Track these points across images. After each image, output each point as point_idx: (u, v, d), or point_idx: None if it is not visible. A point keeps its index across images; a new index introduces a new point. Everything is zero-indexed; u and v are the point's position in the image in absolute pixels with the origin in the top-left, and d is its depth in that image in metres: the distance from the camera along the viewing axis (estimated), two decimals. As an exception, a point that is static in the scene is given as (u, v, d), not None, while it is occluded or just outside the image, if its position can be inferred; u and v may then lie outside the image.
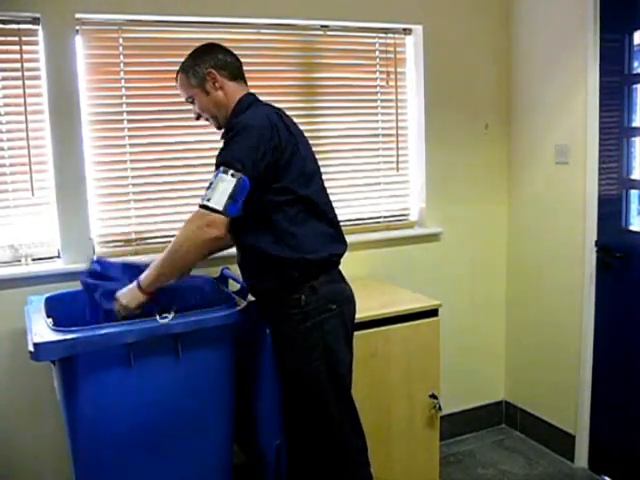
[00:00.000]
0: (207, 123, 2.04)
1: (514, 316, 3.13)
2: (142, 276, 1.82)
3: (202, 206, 1.71)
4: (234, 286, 2.23)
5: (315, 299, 1.83)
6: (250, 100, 1.95)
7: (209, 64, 1.91)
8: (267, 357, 1.96)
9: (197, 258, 1.81)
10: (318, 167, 1.99)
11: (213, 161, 2.49)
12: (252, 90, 2.54)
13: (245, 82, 2.00)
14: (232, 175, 1.70)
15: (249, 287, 2.00)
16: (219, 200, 1.69)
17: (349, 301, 1.94)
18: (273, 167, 1.78)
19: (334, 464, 1.90)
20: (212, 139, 2.51)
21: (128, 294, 1.83)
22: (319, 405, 1.86)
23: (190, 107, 2.03)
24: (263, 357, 1.98)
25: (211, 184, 1.72)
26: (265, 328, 1.96)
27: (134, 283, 1.83)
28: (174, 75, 2.41)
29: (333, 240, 1.92)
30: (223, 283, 2.29)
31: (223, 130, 1.98)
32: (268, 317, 1.94)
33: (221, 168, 1.72)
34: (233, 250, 2.48)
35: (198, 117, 2.01)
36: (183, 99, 2.01)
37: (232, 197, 1.69)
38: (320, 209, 1.90)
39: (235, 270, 2.32)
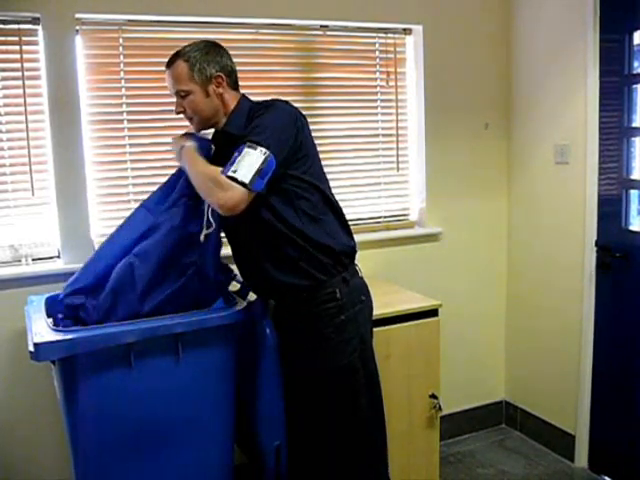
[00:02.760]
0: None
1: (514, 316, 3.13)
2: (191, 152, 1.80)
3: (228, 177, 1.65)
4: (234, 286, 2.23)
5: (348, 291, 1.82)
6: (249, 101, 1.92)
7: (219, 67, 1.85)
8: (268, 357, 1.96)
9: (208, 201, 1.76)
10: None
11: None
12: (252, 90, 2.56)
13: (238, 90, 1.96)
14: (260, 151, 1.65)
15: (258, 287, 1.95)
16: (246, 173, 1.64)
17: (369, 292, 1.96)
18: (295, 154, 1.77)
19: (352, 463, 1.87)
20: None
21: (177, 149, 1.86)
22: (352, 399, 1.83)
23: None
24: (264, 357, 1.98)
25: (234, 159, 1.66)
26: (266, 328, 1.96)
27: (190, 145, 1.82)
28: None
29: (349, 234, 1.94)
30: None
31: (206, 132, 1.96)
32: (286, 317, 1.89)
33: (247, 143, 1.67)
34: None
35: (180, 112, 1.91)
36: (170, 89, 1.90)
37: (259, 173, 1.65)
38: (335, 205, 1.90)
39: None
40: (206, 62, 1.83)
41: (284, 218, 1.77)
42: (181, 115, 2.42)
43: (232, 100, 1.88)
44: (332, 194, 1.93)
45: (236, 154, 1.66)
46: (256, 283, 1.96)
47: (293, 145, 1.75)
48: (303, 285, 1.82)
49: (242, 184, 1.64)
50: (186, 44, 1.88)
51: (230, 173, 1.64)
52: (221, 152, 1.83)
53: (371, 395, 1.88)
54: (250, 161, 1.64)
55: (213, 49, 1.87)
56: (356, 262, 1.95)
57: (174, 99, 2.42)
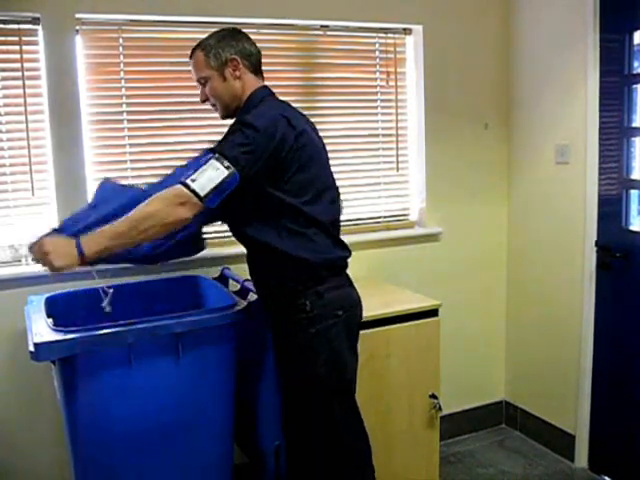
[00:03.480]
0: (210, 108, 1.96)
1: (514, 316, 3.13)
2: (86, 238, 1.63)
3: (183, 184, 1.63)
4: (234, 286, 2.23)
5: (321, 305, 1.79)
6: (263, 94, 1.88)
7: (234, 50, 1.84)
8: (268, 357, 1.96)
9: (154, 237, 1.69)
10: (333, 181, 1.93)
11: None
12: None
13: (262, 76, 1.94)
14: (226, 167, 1.63)
15: (255, 287, 1.96)
16: (204, 186, 1.62)
17: (355, 305, 1.90)
18: (274, 170, 1.73)
19: (337, 469, 1.88)
20: (213, 139, 2.52)
21: (61, 250, 1.62)
22: (323, 410, 1.83)
23: (186, 97, 2.04)
24: (264, 357, 1.98)
25: (198, 166, 1.65)
26: (266, 328, 1.96)
27: (73, 241, 1.63)
28: (174, 75, 2.44)
29: (337, 245, 1.88)
30: (223, 283, 2.29)
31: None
32: (274, 320, 1.90)
33: (215, 154, 1.65)
34: (234, 250, 2.48)
35: (204, 100, 1.91)
36: (194, 77, 1.91)
37: (217, 188, 1.63)
38: (319, 218, 1.82)
39: (239, 270, 2.32)
40: (221, 47, 1.83)
41: (264, 237, 1.79)
42: (182, 115, 2.46)
43: (250, 85, 1.87)
44: (331, 211, 1.88)
45: (202, 161, 1.66)
46: (254, 282, 1.98)
47: (270, 162, 1.70)
48: (275, 289, 1.85)
49: (197, 195, 1.62)
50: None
51: (188, 181, 1.63)
52: None
53: (345, 405, 1.87)
54: (211, 176, 1.63)
55: (230, 34, 1.87)
56: (347, 272, 1.92)
57: (174, 99, 2.46)
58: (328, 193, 1.87)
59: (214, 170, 1.62)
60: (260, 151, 1.68)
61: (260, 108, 1.80)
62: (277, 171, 1.74)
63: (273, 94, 1.92)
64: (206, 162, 1.65)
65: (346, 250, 1.91)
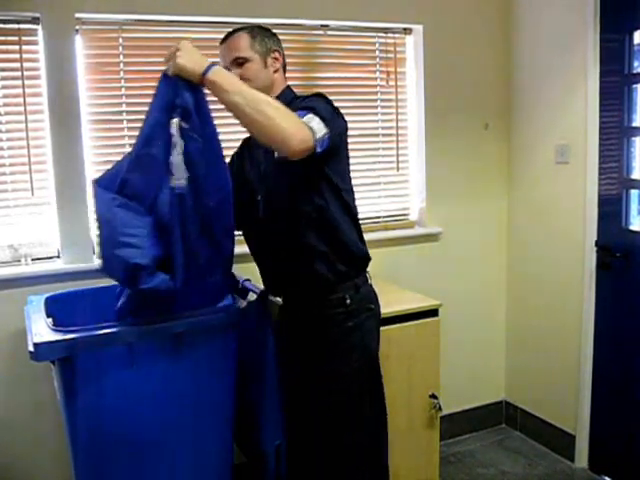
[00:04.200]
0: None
1: (514, 316, 3.13)
2: (218, 68, 1.60)
3: (304, 123, 1.60)
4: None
5: (358, 298, 1.82)
6: (293, 93, 1.92)
7: (278, 45, 1.90)
8: (269, 357, 1.96)
9: (257, 128, 1.58)
10: None
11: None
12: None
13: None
14: (325, 126, 1.63)
15: (280, 284, 1.92)
16: (317, 129, 1.61)
17: (378, 301, 1.94)
18: (339, 151, 1.79)
19: (357, 459, 1.87)
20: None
21: (194, 56, 1.59)
22: (355, 404, 1.83)
23: None
24: (264, 357, 1.98)
25: (302, 116, 1.63)
26: (266, 328, 1.96)
27: (208, 61, 1.60)
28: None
29: (363, 241, 1.93)
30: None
31: None
32: (299, 317, 1.88)
33: (311, 111, 1.64)
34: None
35: None
36: (225, 60, 1.84)
37: (322, 139, 1.62)
38: (355, 210, 1.90)
39: (238, 270, 2.30)
40: (267, 36, 1.87)
41: (331, 210, 1.79)
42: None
43: (280, 83, 1.90)
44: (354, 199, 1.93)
45: (304, 116, 1.62)
46: (278, 276, 1.92)
47: (336, 140, 1.72)
48: (321, 284, 1.81)
49: (313, 134, 1.59)
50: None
51: (305, 119, 1.60)
52: (249, 142, 1.86)
53: (374, 398, 1.88)
54: (321, 126, 1.62)
55: (269, 30, 1.92)
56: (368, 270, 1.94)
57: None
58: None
59: (317, 124, 1.62)
60: (336, 127, 1.71)
61: (321, 96, 1.81)
62: (335, 154, 1.77)
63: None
64: (305, 116, 1.62)
65: (366, 247, 1.95)
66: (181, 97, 1.60)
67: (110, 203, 1.70)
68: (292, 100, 1.84)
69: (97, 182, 1.81)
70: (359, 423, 1.85)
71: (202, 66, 1.57)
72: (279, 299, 1.91)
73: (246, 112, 1.56)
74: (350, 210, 1.86)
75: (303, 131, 1.58)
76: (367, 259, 1.92)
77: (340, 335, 1.81)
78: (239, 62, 1.83)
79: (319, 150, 1.62)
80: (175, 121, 1.60)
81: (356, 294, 1.82)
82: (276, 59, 1.88)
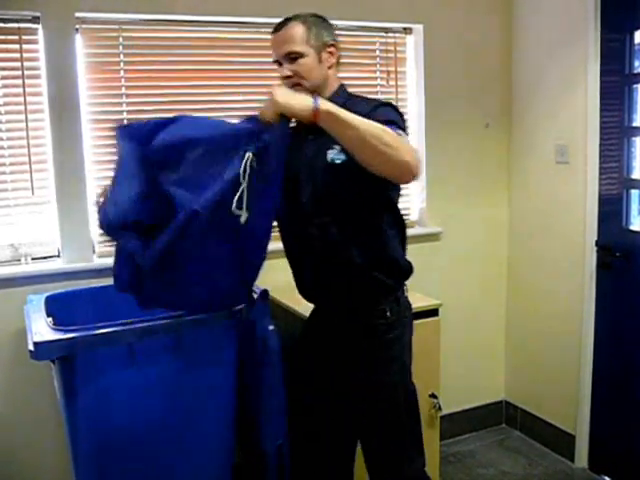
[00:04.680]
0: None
1: (514, 316, 3.13)
2: (321, 99, 1.49)
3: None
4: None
5: (397, 310, 1.77)
6: (346, 90, 1.81)
7: (334, 38, 1.75)
8: (269, 356, 1.96)
9: (377, 162, 1.48)
10: None
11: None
12: (253, 89, 2.57)
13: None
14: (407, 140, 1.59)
15: (323, 297, 1.83)
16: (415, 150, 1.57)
17: (412, 313, 1.91)
18: None
19: (400, 466, 1.83)
20: (212, 138, 2.52)
21: (293, 95, 1.51)
22: (393, 413, 1.78)
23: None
24: (265, 356, 1.98)
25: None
26: (268, 327, 1.96)
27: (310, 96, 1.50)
28: (174, 74, 2.43)
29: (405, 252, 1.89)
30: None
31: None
32: (341, 328, 1.79)
33: (399, 130, 1.56)
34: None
35: (286, 77, 1.71)
36: (277, 53, 1.73)
37: None
38: (404, 223, 1.85)
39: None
40: (323, 28, 1.73)
41: (384, 223, 1.73)
42: (183, 114, 2.44)
43: (334, 80, 1.78)
44: None
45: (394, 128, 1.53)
46: (316, 284, 1.82)
47: None
48: (369, 291, 1.75)
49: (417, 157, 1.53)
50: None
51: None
52: (297, 136, 1.69)
53: (411, 409, 1.83)
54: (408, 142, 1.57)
55: (327, 21, 1.78)
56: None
57: (174, 98, 2.44)
58: None
59: (404, 139, 1.56)
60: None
61: (387, 105, 1.73)
62: None
63: None
64: (394, 131, 1.52)
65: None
66: (263, 136, 1.50)
67: (137, 159, 1.59)
68: (347, 100, 1.72)
69: (125, 130, 1.69)
70: (402, 432, 1.81)
71: (309, 99, 1.47)
72: (309, 304, 1.88)
73: (371, 144, 1.45)
74: (400, 223, 1.80)
75: (417, 158, 1.52)
76: (410, 272, 1.85)
77: (380, 347, 1.76)
78: (292, 57, 1.69)
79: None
80: (249, 155, 1.48)
81: (397, 306, 1.77)
82: (331, 54, 1.74)
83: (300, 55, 1.68)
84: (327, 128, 1.48)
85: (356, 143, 1.47)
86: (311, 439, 1.92)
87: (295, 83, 1.69)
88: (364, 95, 1.83)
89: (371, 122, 1.47)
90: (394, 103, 1.75)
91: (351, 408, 1.82)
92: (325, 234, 1.71)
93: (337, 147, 1.62)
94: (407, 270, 1.83)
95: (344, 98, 1.74)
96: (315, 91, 1.66)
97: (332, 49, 1.73)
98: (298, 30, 1.69)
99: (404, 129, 1.61)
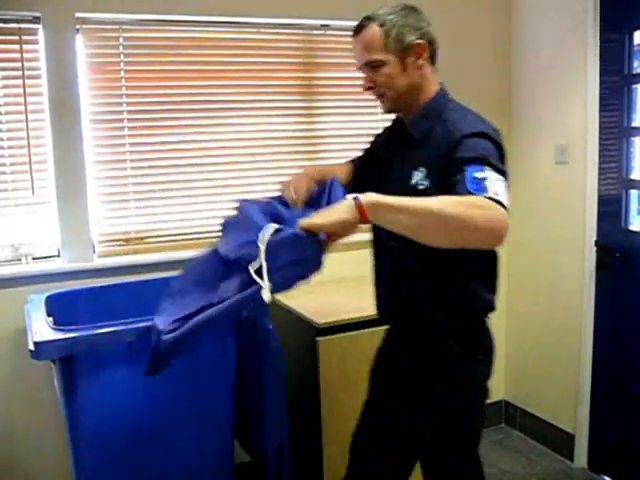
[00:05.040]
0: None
1: (514, 316, 3.13)
2: (370, 194, 1.27)
3: (493, 199, 1.25)
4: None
5: (481, 331, 1.61)
6: (445, 96, 1.57)
7: (420, 33, 1.49)
8: (270, 355, 1.96)
9: (449, 244, 1.28)
10: None
11: (214, 160, 2.54)
12: (252, 89, 2.57)
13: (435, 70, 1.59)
14: (503, 178, 1.33)
15: (400, 321, 1.65)
16: (507, 201, 1.29)
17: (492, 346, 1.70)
18: None
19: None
20: (213, 138, 2.52)
21: (330, 210, 1.30)
22: (471, 449, 1.65)
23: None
24: (266, 355, 1.98)
25: (479, 179, 1.28)
26: (268, 326, 1.96)
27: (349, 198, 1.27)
28: (174, 74, 2.44)
29: None
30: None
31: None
32: (412, 353, 1.61)
33: (487, 167, 1.31)
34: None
35: (369, 88, 1.54)
36: (360, 58, 1.52)
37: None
38: (497, 255, 1.67)
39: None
40: (405, 27, 1.47)
41: (471, 257, 1.47)
42: (182, 115, 2.45)
43: (431, 83, 1.55)
44: None
45: (479, 177, 1.29)
46: (393, 309, 1.68)
47: None
48: (442, 324, 1.56)
49: (503, 206, 1.26)
50: (380, 7, 1.52)
51: (493, 195, 1.25)
52: (389, 146, 1.57)
53: (473, 435, 1.67)
54: (503, 187, 1.31)
55: (412, 12, 1.52)
56: None
57: (174, 98, 2.45)
58: None
59: (498, 181, 1.31)
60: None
61: (469, 116, 1.49)
62: None
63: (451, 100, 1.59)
64: (486, 176, 1.30)
65: None
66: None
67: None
68: (442, 112, 1.50)
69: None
70: (463, 459, 1.66)
71: (348, 202, 1.26)
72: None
73: (435, 227, 1.24)
74: (488, 258, 1.58)
75: (499, 219, 1.24)
76: (489, 310, 1.59)
77: (467, 372, 1.57)
78: (372, 66, 1.50)
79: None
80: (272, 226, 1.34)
81: (482, 326, 1.59)
82: (418, 56, 1.49)
83: (380, 64, 1.48)
84: (382, 222, 1.28)
85: (421, 231, 1.26)
86: (371, 455, 1.74)
87: (380, 94, 1.53)
88: (468, 110, 1.52)
89: (426, 200, 1.25)
90: (493, 131, 1.42)
91: (416, 429, 1.63)
92: (396, 259, 1.56)
93: (424, 169, 1.45)
94: (483, 309, 1.58)
95: (438, 109, 1.52)
96: (403, 99, 1.52)
97: (419, 49, 1.49)
98: (375, 34, 1.48)
99: (496, 167, 1.33)
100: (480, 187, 1.27)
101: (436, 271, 1.50)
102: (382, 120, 2.83)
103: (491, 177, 1.29)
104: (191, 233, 2.52)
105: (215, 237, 2.51)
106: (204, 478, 1.97)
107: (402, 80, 1.50)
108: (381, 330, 2.24)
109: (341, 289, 2.57)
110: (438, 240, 1.27)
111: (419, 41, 1.48)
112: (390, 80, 1.49)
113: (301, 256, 1.28)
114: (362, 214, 1.24)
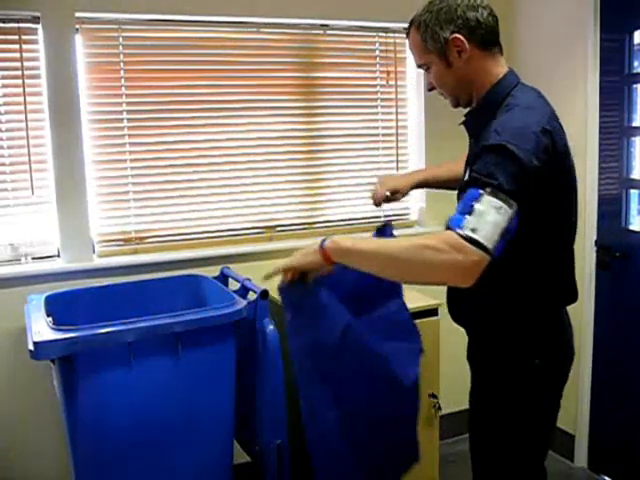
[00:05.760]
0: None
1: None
2: (335, 237, 1.36)
3: (465, 237, 1.21)
4: (234, 285, 2.23)
5: (517, 353, 1.56)
6: (507, 85, 1.45)
7: (455, 26, 1.41)
8: (269, 355, 1.96)
9: (414, 282, 1.40)
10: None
11: (212, 160, 2.54)
12: (252, 89, 2.57)
13: (501, 50, 1.49)
14: (508, 204, 1.22)
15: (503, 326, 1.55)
16: (490, 235, 1.20)
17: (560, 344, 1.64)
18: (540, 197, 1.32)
19: None
20: (212, 138, 2.52)
21: (303, 251, 1.41)
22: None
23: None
24: (265, 355, 1.98)
25: (471, 209, 1.24)
26: (267, 326, 1.96)
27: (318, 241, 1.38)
28: (174, 74, 2.44)
29: None
30: (223, 282, 2.29)
31: (467, 111, 1.54)
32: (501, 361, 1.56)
33: (488, 189, 1.23)
34: (234, 249, 2.49)
35: (431, 89, 1.55)
36: (415, 61, 1.55)
37: (503, 234, 1.22)
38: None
39: (238, 270, 2.31)
40: (438, 24, 1.43)
41: (524, 254, 1.42)
42: (182, 115, 2.45)
43: (487, 66, 1.44)
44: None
45: (473, 202, 1.24)
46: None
47: (532, 187, 1.28)
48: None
49: (483, 248, 1.20)
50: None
51: (468, 232, 1.21)
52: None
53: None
54: (496, 218, 1.21)
55: (447, 5, 1.44)
56: None
57: (174, 98, 2.46)
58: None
59: (496, 211, 1.22)
60: (523, 193, 1.26)
61: (516, 112, 1.37)
62: (535, 215, 1.34)
63: (524, 84, 1.49)
64: (479, 201, 1.23)
65: None
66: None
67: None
68: (500, 104, 1.41)
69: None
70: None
71: (312, 245, 1.37)
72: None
73: (394, 270, 1.31)
74: (552, 252, 1.47)
75: (460, 265, 1.21)
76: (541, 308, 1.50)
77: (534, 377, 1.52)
78: (424, 69, 1.52)
79: (499, 252, 1.22)
80: None
81: (519, 348, 1.51)
82: (460, 49, 1.42)
83: (427, 65, 1.49)
84: (346, 264, 1.35)
85: (379, 272, 1.33)
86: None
87: (440, 93, 1.54)
88: (523, 106, 1.39)
89: (397, 243, 1.31)
90: (511, 144, 1.26)
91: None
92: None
93: (467, 168, 1.41)
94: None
95: (495, 102, 1.42)
96: (460, 95, 1.49)
97: (457, 42, 1.41)
98: (415, 39, 1.50)
99: (501, 188, 1.22)
100: (460, 220, 1.25)
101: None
102: (382, 120, 2.85)
103: (485, 205, 1.23)
104: (191, 233, 2.52)
105: (215, 237, 2.55)
106: (204, 478, 1.97)
107: (450, 77, 1.47)
108: (381, 330, 2.25)
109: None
110: (401, 280, 1.38)
111: (453, 35, 1.42)
112: (440, 79, 1.49)
113: None
114: (325, 257, 1.35)
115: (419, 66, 1.54)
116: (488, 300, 1.51)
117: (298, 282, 1.43)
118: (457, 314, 1.68)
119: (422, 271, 1.27)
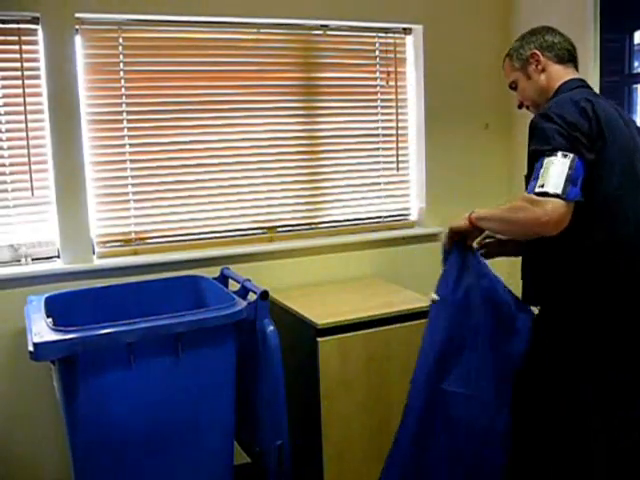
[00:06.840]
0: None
1: (514, 316, 3.12)
2: (477, 209, 1.71)
3: (537, 193, 1.41)
4: (234, 286, 2.23)
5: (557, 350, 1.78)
6: (568, 88, 1.65)
7: (534, 45, 1.71)
8: (269, 356, 1.96)
9: (514, 237, 1.77)
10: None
11: (213, 161, 2.54)
12: (252, 89, 2.57)
13: (576, 67, 1.74)
14: (565, 156, 1.42)
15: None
16: (556, 183, 1.40)
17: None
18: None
19: None
20: (211, 139, 2.52)
21: (460, 219, 1.77)
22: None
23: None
24: (265, 356, 1.98)
25: (537, 173, 1.44)
26: (267, 327, 1.96)
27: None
28: (174, 75, 2.45)
29: None
30: (223, 283, 2.29)
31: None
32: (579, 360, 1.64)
33: (547, 153, 1.44)
34: (234, 250, 2.49)
35: (520, 105, 1.79)
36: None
37: (568, 179, 1.40)
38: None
39: (238, 270, 2.31)
40: (521, 47, 1.74)
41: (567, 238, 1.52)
42: (181, 115, 2.45)
43: (559, 76, 1.69)
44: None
45: (538, 169, 1.45)
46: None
47: (588, 148, 1.46)
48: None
49: (555, 196, 1.39)
50: None
51: (537, 189, 1.42)
52: None
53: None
54: (557, 170, 1.42)
55: (530, 31, 1.76)
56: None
57: (173, 99, 2.46)
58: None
59: (554, 165, 1.43)
60: (577, 142, 1.46)
61: (558, 99, 1.60)
62: (601, 167, 1.51)
63: (585, 85, 1.69)
64: (542, 165, 1.44)
65: None
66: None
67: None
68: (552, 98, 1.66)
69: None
70: None
71: (465, 214, 1.73)
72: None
73: (502, 228, 1.68)
74: (595, 241, 1.54)
75: (531, 217, 1.43)
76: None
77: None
78: (512, 87, 1.80)
79: (576, 195, 1.40)
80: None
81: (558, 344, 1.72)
82: (537, 62, 1.70)
83: (516, 83, 1.77)
84: (483, 228, 1.73)
85: (497, 231, 1.77)
86: None
87: (526, 107, 1.79)
88: (570, 93, 1.61)
89: (503, 207, 1.59)
90: (552, 110, 1.50)
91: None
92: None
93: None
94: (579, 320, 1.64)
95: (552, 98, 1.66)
96: (540, 104, 1.69)
97: (535, 57, 1.70)
98: (507, 63, 1.79)
99: (554, 147, 1.44)
100: (532, 185, 1.45)
101: (534, 257, 1.81)
102: (382, 120, 2.85)
103: (546, 165, 1.44)
104: (191, 234, 2.52)
105: (215, 238, 2.55)
106: (204, 479, 1.97)
107: (530, 88, 1.73)
108: (381, 330, 2.25)
109: (341, 290, 2.57)
110: (508, 235, 1.79)
111: (532, 51, 1.70)
112: (524, 92, 1.76)
113: None
114: (470, 221, 1.70)
115: (510, 86, 1.80)
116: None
117: (457, 242, 1.83)
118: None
119: (518, 227, 1.53)
